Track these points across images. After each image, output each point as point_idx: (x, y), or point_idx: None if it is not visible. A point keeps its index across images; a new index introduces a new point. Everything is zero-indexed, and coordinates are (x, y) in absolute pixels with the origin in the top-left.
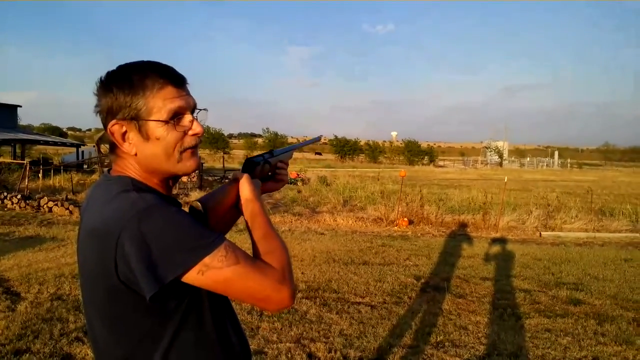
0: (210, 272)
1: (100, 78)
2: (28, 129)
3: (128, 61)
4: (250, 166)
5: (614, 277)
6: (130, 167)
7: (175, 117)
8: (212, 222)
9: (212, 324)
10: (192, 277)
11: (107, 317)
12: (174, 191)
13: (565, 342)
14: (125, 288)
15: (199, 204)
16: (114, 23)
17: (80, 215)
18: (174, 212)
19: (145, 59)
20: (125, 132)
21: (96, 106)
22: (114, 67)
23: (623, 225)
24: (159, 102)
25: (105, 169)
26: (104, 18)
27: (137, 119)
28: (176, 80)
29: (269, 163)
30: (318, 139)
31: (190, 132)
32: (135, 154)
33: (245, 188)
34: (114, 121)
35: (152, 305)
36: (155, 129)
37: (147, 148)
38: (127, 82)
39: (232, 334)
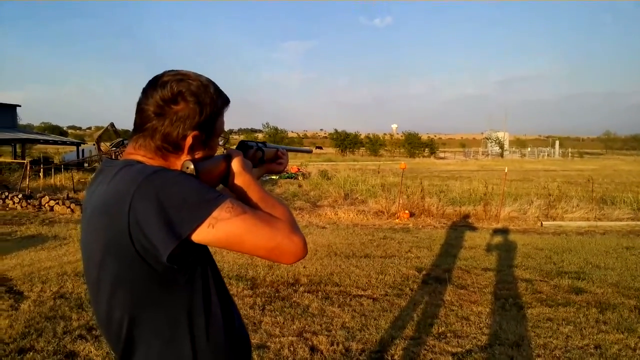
0: (220, 223)
1: (188, 84)
2: (28, 128)
3: (194, 71)
4: (243, 148)
5: (615, 265)
6: (144, 157)
7: None
8: None
9: (220, 309)
10: (204, 232)
11: (119, 293)
12: None
13: (567, 331)
14: (139, 259)
15: (191, 164)
16: (110, 18)
17: (84, 202)
18: (178, 173)
19: (144, 53)
20: (195, 143)
21: (164, 106)
22: (189, 75)
23: (624, 214)
24: (223, 120)
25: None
26: (100, 11)
27: (213, 135)
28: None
29: (262, 150)
30: (310, 150)
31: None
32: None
33: (237, 163)
34: (196, 132)
35: (164, 276)
36: (215, 142)
37: (200, 154)
38: (219, 100)
39: (235, 323)
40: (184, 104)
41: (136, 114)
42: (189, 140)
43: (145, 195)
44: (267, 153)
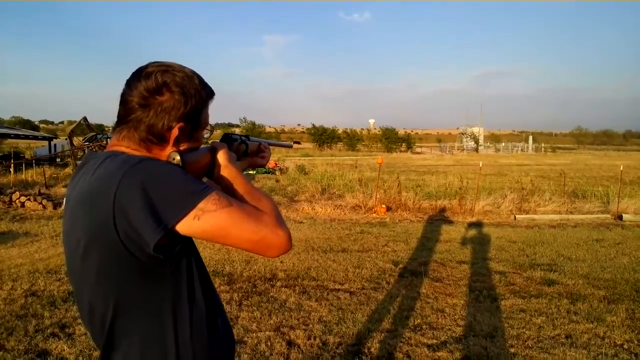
0: (206, 215)
1: (173, 75)
2: None
3: (177, 62)
4: (227, 140)
5: (586, 257)
6: (127, 148)
7: None
8: None
9: (204, 302)
10: (189, 223)
11: (103, 284)
12: None
13: (539, 322)
14: (123, 249)
15: (177, 155)
16: (84, 13)
17: (67, 193)
18: (164, 163)
19: (121, 50)
20: (180, 134)
21: (148, 97)
22: (174, 67)
23: (595, 207)
24: (208, 112)
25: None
26: (76, 10)
27: (199, 127)
28: None
29: (245, 144)
30: (290, 145)
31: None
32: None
33: (222, 155)
34: (182, 124)
35: (148, 267)
36: (200, 134)
37: (185, 146)
38: (203, 92)
39: (218, 316)
40: (169, 94)
41: (120, 105)
42: (175, 132)
43: (131, 184)
44: (250, 146)
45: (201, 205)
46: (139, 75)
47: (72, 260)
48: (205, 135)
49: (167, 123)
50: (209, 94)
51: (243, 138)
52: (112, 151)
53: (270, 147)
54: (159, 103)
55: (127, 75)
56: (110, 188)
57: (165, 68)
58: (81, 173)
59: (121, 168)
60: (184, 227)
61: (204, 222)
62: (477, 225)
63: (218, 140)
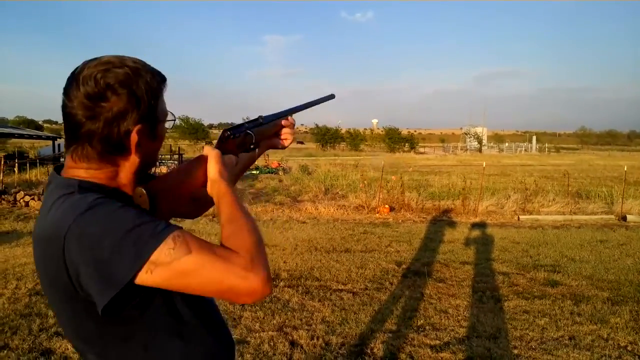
0: (159, 269)
1: (115, 74)
2: (2, 122)
3: (119, 54)
4: (227, 140)
5: (589, 258)
6: (88, 169)
7: None
8: (173, 207)
9: (192, 317)
10: (142, 278)
11: (67, 323)
12: None
13: (542, 323)
14: (83, 297)
15: (143, 191)
16: (88, 14)
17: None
18: (115, 209)
19: (123, 48)
20: (141, 137)
21: (93, 106)
22: (114, 62)
23: (599, 208)
24: (164, 101)
25: (52, 169)
26: (78, 9)
27: (158, 122)
28: None
29: (250, 134)
30: (332, 96)
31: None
32: (138, 157)
33: (211, 167)
34: (139, 126)
35: (113, 313)
36: (162, 128)
37: (150, 147)
38: (154, 82)
39: (214, 323)
40: (116, 98)
41: (64, 120)
42: (134, 137)
43: (79, 239)
44: (262, 132)
45: (154, 257)
46: (75, 80)
47: (42, 286)
48: (167, 126)
49: (122, 129)
50: (160, 82)
51: (247, 126)
52: (67, 181)
53: (310, 108)
54: (108, 110)
55: None
56: (59, 238)
57: (105, 67)
58: (45, 197)
59: (69, 216)
60: (138, 281)
61: (157, 276)
62: (481, 225)
63: (217, 141)
